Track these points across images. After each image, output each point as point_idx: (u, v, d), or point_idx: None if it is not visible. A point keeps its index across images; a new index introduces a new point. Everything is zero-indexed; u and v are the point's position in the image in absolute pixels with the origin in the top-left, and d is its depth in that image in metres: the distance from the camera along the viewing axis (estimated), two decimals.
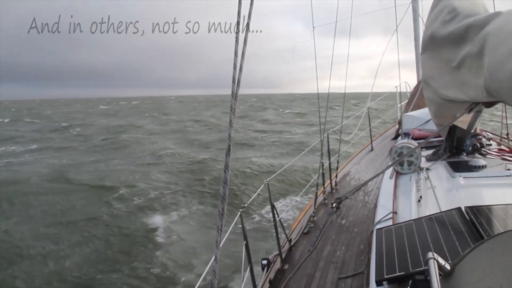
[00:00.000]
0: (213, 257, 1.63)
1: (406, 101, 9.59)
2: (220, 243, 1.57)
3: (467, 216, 2.39)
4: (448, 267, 1.29)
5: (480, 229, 2.18)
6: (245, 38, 1.54)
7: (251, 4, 1.63)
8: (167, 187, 14.62)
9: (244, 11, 1.59)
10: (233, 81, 1.50)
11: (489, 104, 2.81)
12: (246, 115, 53.12)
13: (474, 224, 2.28)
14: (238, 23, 1.52)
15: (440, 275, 1.24)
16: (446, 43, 3.02)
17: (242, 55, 1.52)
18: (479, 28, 2.52)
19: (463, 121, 3.90)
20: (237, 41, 1.51)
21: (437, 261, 1.27)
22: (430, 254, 1.30)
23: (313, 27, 6.83)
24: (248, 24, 1.57)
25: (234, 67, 1.51)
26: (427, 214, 2.92)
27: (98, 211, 11.82)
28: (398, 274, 1.98)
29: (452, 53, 2.82)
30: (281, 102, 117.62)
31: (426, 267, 1.87)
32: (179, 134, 33.52)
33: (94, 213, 11.63)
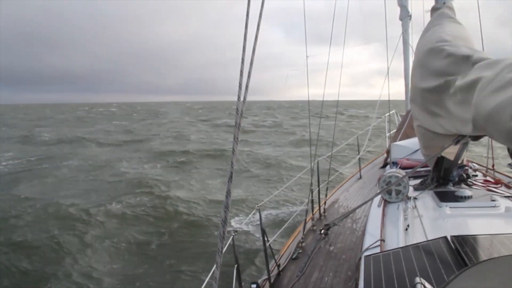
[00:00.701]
0: (214, 266, 1.70)
1: (395, 130, 9.79)
2: (219, 264, 1.65)
3: (452, 245, 2.48)
4: None
5: (465, 258, 2.27)
6: (253, 48, 1.63)
7: (260, 16, 1.73)
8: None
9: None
10: (237, 111, 1.59)
11: (475, 137, 2.91)
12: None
13: (459, 253, 2.37)
14: (246, 28, 1.60)
15: None
16: (434, 75, 3.11)
17: (249, 72, 1.60)
18: (470, 62, 2.64)
19: (450, 153, 4.03)
20: (244, 50, 1.60)
21: (424, 286, 1.35)
22: (417, 279, 1.38)
23: (306, 56, 7.03)
24: (256, 36, 1.66)
25: (241, 75, 1.59)
26: (414, 242, 3.01)
27: None
28: None
29: (441, 87, 2.93)
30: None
31: None
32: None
33: None
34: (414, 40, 9.16)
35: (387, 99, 9.92)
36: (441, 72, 2.99)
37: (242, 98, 1.65)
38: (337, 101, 7.64)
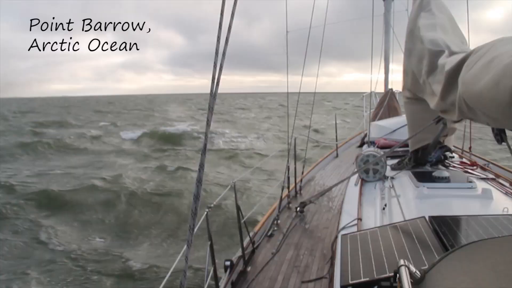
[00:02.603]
0: (185, 246, 1.61)
1: (372, 109, 9.79)
2: (191, 242, 1.55)
3: (431, 226, 2.46)
4: (418, 274, 1.31)
5: (444, 239, 2.24)
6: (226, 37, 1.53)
7: (233, 14, 1.61)
8: None
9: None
10: (212, 80, 1.48)
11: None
12: None
13: (437, 233, 2.34)
14: (221, 19, 1.50)
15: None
16: (421, 57, 3.16)
17: (223, 55, 1.50)
18: (452, 48, 2.65)
19: (428, 133, 4.02)
20: (218, 41, 1.50)
21: (408, 268, 1.29)
22: (401, 261, 1.31)
23: (287, 31, 6.87)
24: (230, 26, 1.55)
25: (214, 66, 1.49)
26: (392, 222, 2.98)
27: None
28: (363, 280, 2.01)
29: (430, 64, 2.94)
30: None
31: (391, 274, 1.91)
32: None
33: None
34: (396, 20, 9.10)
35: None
36: (428, 55, 3.06)
37: (216, 80, 1.54)
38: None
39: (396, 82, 9.80)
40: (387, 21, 9.18)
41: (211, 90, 1.48)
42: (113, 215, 11.19)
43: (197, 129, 31.52)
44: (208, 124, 1.49)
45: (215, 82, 1.48)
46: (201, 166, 1.52)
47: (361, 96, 12.73)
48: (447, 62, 2.54)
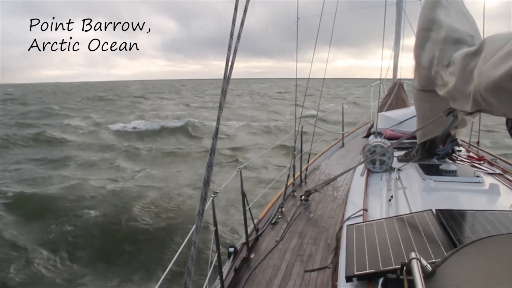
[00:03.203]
0: (194, 226, 1.61)
1: (380, 100, 9.72)
2: (199, 227, 1.54)
3: (438, 219, 2.44)
4: (429, 268, 1.30)
5: (451, 233, 2.22)
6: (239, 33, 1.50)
7: (245, 12, 1.59)
8: None
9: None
10: (226, 63, 1.46)
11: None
12: None
13: (444, 227, 2.32)
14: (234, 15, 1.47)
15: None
16: (434, 49, 3.13)
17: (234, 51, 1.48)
18: (468, 41, 2.61)
19: (437, 125, 3.98)
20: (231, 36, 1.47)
21: (420, 261, 1.27)
22: (413, 254, 1.30)
23: (297, 18, 6.78)
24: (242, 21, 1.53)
25: (229, 49, 1.46)
26: (397, 214, 2.96)
27: None
28: (368, 271, 2.00)
29: (443, 55, 2.91)
30: None
31: (397, 266, 1.90)
32: None
33: None
34: (408, 8, 8.96)
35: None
36: (441, 47, 3.05)
37: (230, 63, 1.52)
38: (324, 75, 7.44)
39: (405, 69, 9.62)
40: (400, 9, 9.04)
41: (225, 73, 1.46)
42: None
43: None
44: (220, 108, 1.47)
45: (229, 65, 1.46)
46: (212, 151, 1.50)
47: (369, 86, 12.63)
48: (461, 54, 2.50)
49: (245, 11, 1.50)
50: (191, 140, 23.06)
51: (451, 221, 2.40)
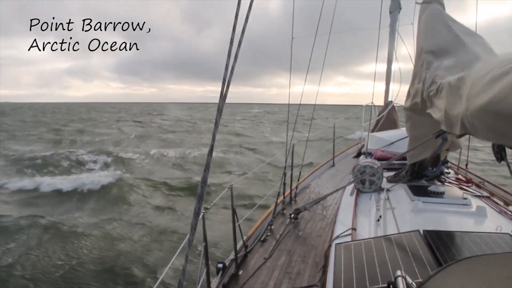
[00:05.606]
0: (186, 239, 1.62)
1: (372, 121, 9.82)
2: (191, 241, 1.57)
3: (425, 239, 2.48)
4: (414, 286, 1.33)
5: (437, 253, 2.27)
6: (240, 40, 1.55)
7: (246, 20, 1.64)
8: None
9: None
10: (223, 82, 1.50)
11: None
12: None
13: (431, 247, 2.36)
14: (234, 24, 1.52)
15: None
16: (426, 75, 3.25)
17: (235, 58, 1.52)
18: (459, 65, 2.69)
19: (427, 147, 4.05)
20: (231, 43, 1.52)
21: (405, 279, 1.31)
22: (398, 272, 1.33)
23: (292, 38, 6.88)
24: (244, 28, 1.57)
25: (226, 68, 1.51)
26: (386, 233, 3.00)
27: None
28: None
29: (436, 80, 3.00)
30: None
31: (384, 285, 1.93)
32: None
33: None
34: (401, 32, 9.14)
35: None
36: (431, 74, 3.15)
37: (230, 68, 1.56)
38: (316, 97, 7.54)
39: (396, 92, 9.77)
40: (393, 32, 9.22)
41: (221, 92, 1.50)
42: None
43: None
44: (216, 126, 1.51)
45: (225, 85, 1.50)
46: (207, 167, 1.54)
47: (361, 107, 12.79)
48: (452, 78, 2.58)
49: (242, 32, 1.56)
50: None
51: (438, 242, 2.45)
